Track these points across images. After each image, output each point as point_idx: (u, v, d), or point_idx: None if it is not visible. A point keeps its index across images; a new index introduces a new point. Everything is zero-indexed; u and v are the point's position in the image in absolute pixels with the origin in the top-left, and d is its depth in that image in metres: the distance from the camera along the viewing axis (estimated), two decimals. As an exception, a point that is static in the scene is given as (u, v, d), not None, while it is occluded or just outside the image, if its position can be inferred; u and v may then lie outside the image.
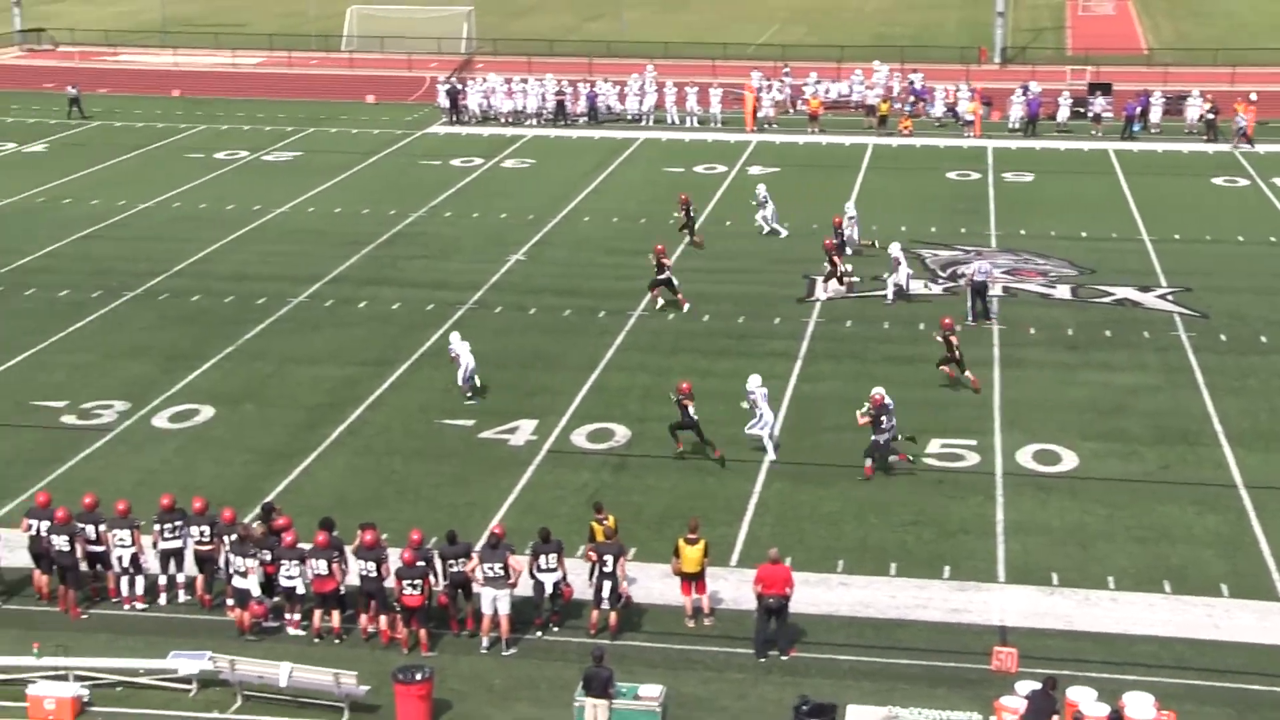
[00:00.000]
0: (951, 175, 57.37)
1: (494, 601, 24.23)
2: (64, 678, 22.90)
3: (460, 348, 34.97)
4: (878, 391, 30.68)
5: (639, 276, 43.22)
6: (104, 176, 57.57)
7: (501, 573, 24.17)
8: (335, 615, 24.58)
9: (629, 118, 68.52)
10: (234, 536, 24.82)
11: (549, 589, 24.73)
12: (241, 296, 42.15)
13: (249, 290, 42.78)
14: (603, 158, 61.50)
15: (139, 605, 25.40)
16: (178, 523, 25.47)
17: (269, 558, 24.70)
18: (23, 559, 25.72)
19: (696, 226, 48.27)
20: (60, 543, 24.98)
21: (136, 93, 76.57)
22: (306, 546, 24.80)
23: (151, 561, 25.65)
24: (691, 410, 31.28)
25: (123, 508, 25.52)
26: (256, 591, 24.60)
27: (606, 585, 24.59)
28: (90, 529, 25.29)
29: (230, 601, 24.79)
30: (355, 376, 36.29)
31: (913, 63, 76.43)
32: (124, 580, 25.46)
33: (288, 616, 24.85)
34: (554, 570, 24.64)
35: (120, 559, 25.28)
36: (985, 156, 60.47)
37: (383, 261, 46.11)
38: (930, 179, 56.74)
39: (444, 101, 69.15)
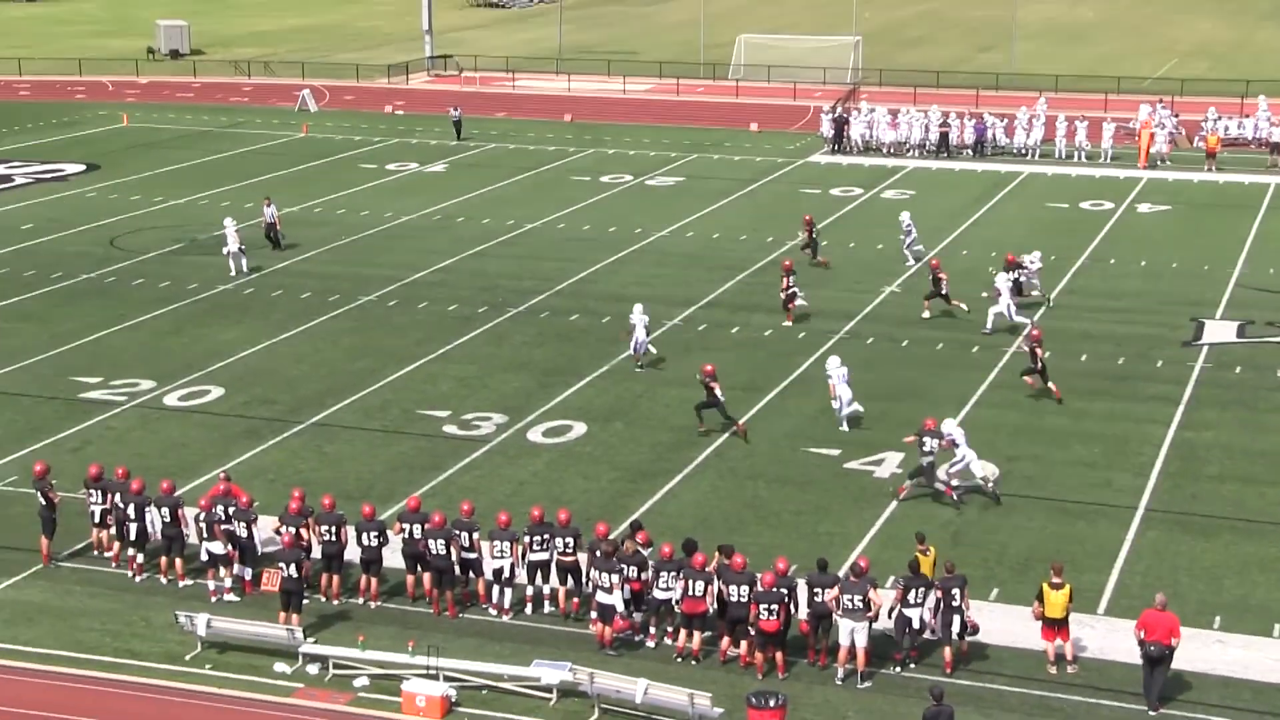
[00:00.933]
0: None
1: (852, 633, 24.02)
2: (435, 677, 23.81)
3: (639, 320, 38.02)
4: (931, 420, 31.06)
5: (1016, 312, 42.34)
6: (497, 196, 59.90)
7: (862, 605, 23.94)
8: (697, 637, 24.78)
9: (1015, 151, 67.15)
10: (598, 552, 25.33)
11: (916, 624, 24.34)
12: (619, 317, 43.05)
13: (626, 311, 43.60)
14: (985, 191, 60.47)
15: (505, 617, 26.18)
16: (546, 535, 26.16)
17: (635, 573, 25.10)
18: (397, 560, 26.86)
19: (819, 248, 48.54)
20: (437, 546, 26.00)
21: (531, 117, 79.48)
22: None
23: (520, 573, 26.40)
24: (718, 391, 33.29)
25: (504, 519, 26.36)
26: (621, 607, 25.04)
27: (955, 619, 24.09)
28: (465, 535, 26.22)
29: (593, 615, 25.30)
30: (725, 399, 36.54)
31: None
32: (495, 589, 26.30)
33: (642, 624, 25.21)
34: (921, 605, 24.25)
35: (500, 571, 26.07)
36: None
37: (757, 288, 46.44)
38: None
39: (828, 130, 69.27)
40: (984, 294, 43.29)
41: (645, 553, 25.45)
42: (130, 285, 46.66)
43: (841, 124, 69.14)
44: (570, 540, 25.99)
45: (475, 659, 24.36)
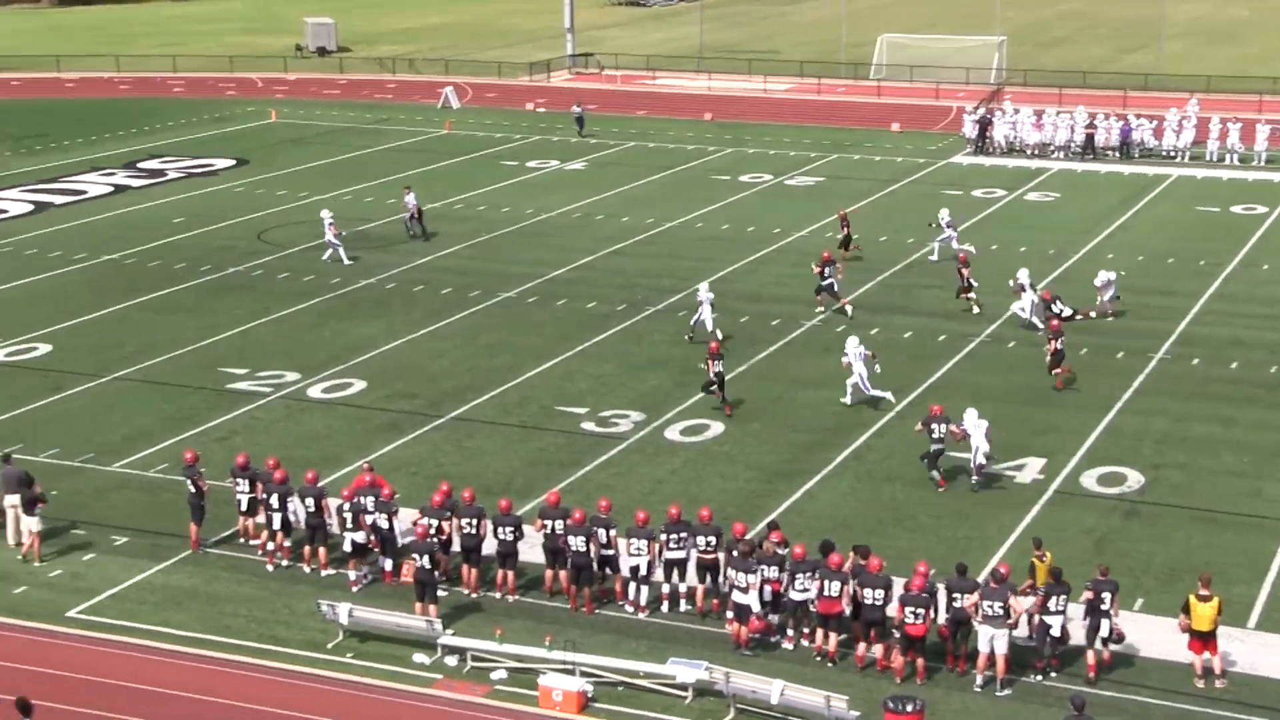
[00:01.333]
0: None
1: (991, 640, 23.75)
2: (571, 672, 23.95)
3: (705, 297, 40.21)
4: (937, 406, 31.58)
5: (1163, 317, 41.60)
6: (636, 194, 60.08)
7: (1001, 611, 23.67)
8: (833, 638, 24.67)
9: (1164, 153, 65.88)
10: (736, 551, 25.31)
11: (1056, 631, 24.00)
12: (756, 317, 43.04)
13: (764, 311, 43.64)
14: (1131, 194, 59.43)
15: (642, 614, 26.26)
16: (683, 534, 26.19)
17: (774, 574, 25.05)
18: (538, 554, 27.05)
19: (852, 241, 49.30)
20: (577, 543, 26.14)
21: (671, 115, 79.61)
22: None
23: (657, 571, 26.46)
24: (719, 367, 34.99)
25: (642, 517, 26.43)
26: (757, 607, 25.00)
27: (1103, 624, 23.69)
28: (602, 532, 26.33)
29: (729, 615, 25.28)
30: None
31: None
32: (632, 586, 26.38)
33: (789, 632, 25.18)
34: (1062, 612, 23.92)
35: (636, 568, 26.17)
36: None
37: (896, 290, 46.10)
38: None
39: (970, 131, 68.52)
40: (1125, 299, 42.55)
41: (782, 554, 25.39)
42: (276, 279, 47.53)
43: (985, 125, 68.34)
44: (712, 539, 26.00)
45: (611, 655, 24.47)
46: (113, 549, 28.76)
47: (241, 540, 28.84)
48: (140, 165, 66.01)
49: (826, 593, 24.50)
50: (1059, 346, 37.18)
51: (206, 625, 25.87)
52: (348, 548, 27.29)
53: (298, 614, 26.20)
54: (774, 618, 25.31)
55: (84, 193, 60.48)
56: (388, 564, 27.30)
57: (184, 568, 27.99)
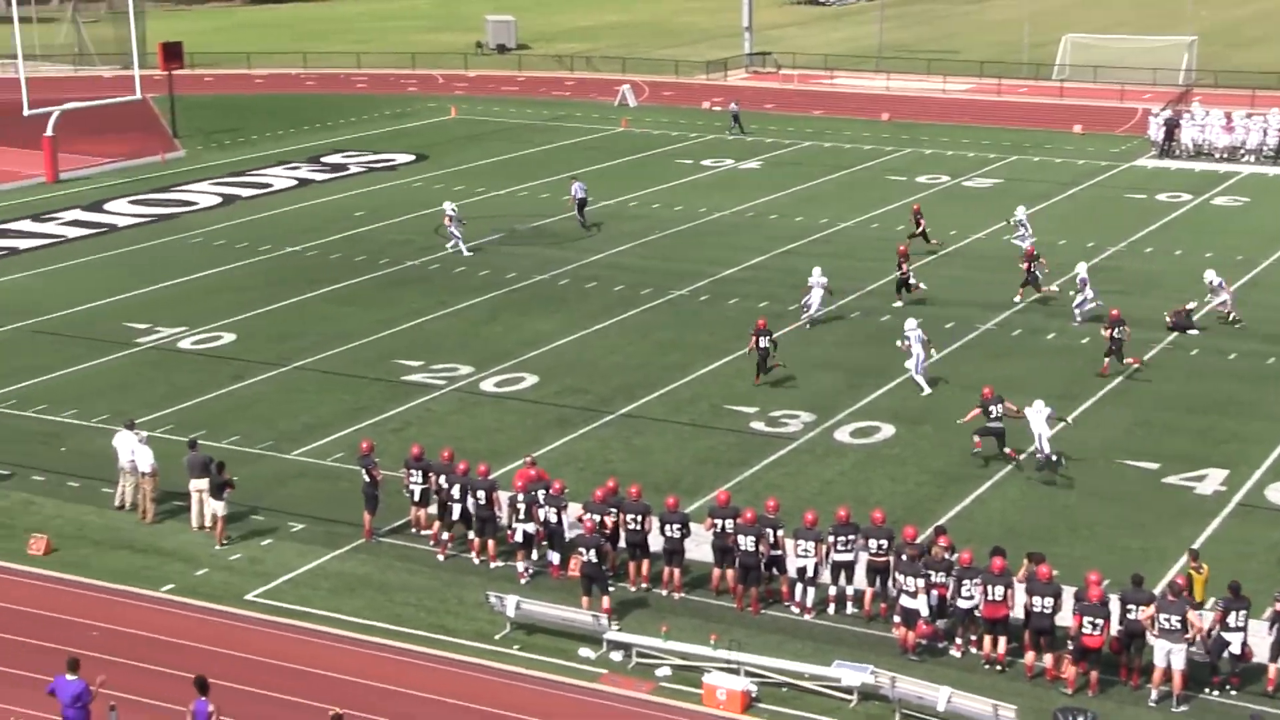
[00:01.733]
0: None
1: (1168, 654, 23.21)
2: (736, 671, 23.95)
3: (817, 282, 41.94)
4: (989, 388, 32.77)
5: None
6: (810, 194, 59.81)
7: (1179, 626, 23.12)
8: (1001, 643, 24.34)
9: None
10: (904, 555, 25.09)
11: (1236, 648, 23.36)
12: (930, 319, 42.51)
13: (937, 314, 43.15)
14: (1325, 198, 57.67)
15: (808, 616, 26.16)
16: (851, 536, 26.04)
17: (943, 578, 24.79)
18: (705, 552, 27.09)
19: (927, 234, 50.10)
20: (746, 542, 26.12)
21: (848, 115, 79.10)
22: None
23: (824, 573, 26.34)
24: (762, 342, 37.07)
25: (810, 519, 26.34)
26: (925, 612, 24.76)
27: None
28: (770, 533, 26.27)
29: (896, 619, 25.07)
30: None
31: None
32: (798, 587, 26.30)
33: (958, 640, 24.91)
34: (1243, 629, 23.27)
35: (804, 569, 26.07)
36: None
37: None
38: None
39: (1157, 134, 67.02)
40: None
41: (950, 559, 25.11)
42: (451, 273, 48.23)
43: (1172, 127, 66.75)
44: (884, 541, 25.81)
45: (776, 656, 24.42)
46: (290, 535, 29.45)
47: (413, 530, 29.34)
48: (323, 160, 67.47)
49: (991, 597, 24.17)
50: (1117, 334, 37.40)
51: (377, 613, 26.36)
52: (519, 538, 27.59)
53: (466, 605, 26.58)
54: (942, 623, 25.04)
55: (269, 186, 62.01)
56: (555, 557, 27.55)
57: (357, 555, 28.56)
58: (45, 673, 23.08)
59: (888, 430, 34.63)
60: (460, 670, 24.63)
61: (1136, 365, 37.80)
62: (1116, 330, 37.43)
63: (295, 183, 62.63)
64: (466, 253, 49.77)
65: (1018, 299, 44.17)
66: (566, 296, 45.48)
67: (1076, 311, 42.12)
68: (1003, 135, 72.13)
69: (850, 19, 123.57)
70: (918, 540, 25.66)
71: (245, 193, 60.63)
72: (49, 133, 62.48)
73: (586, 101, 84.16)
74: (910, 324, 37.40)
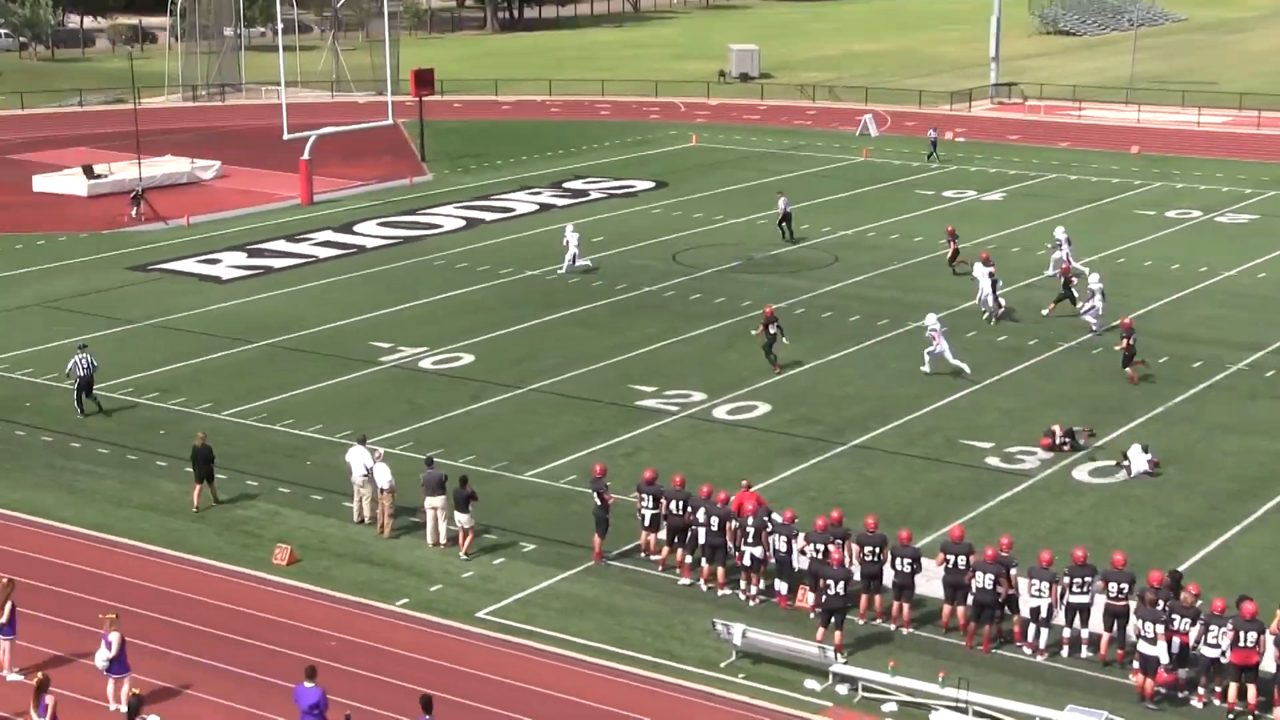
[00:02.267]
0: None
1: None
2: (964, 710, 23.54)
3: (982, 274, 44.95)
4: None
5: None
6: (1051, 227, 58.54)
7: None
8: (1251, 691, 23.45)
9: None
10: (1145, 599, 24.37)
11: None
12: (1177, 357, 41.37)
13: (1186, 352, 41.92)
14: None
15: (1040, 657, 25.60)
16: (1088, 577, 25.41)
17: (1185, 626, 24.02)
18: (935, 588, 26.72)
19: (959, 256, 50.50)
20: (985, 579, 25.67)
21: (1095, 147, 77.38)
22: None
23: (1059, 614, 25.76)
24: (771, 329, 40.10)
25: (1046, 558, 25.80)
26: (1165, 659, 24.01)
27: None
28: (1008, 571, 25.77)
29: (1135, 665, 24.36)
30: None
31: None
32: (1031, 627, 25.76)
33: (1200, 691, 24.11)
34: None
35: (1037, 610, 25.54)
36: None
37: (1332, 335, 43.54)
38: None
39: None
40: None
41: (1198, 606, 24.30)
42: (688, 300, 48.51)
43: None
44: (1125, 585, 25.10)
45: (1006, 697, 23.94)
46: (521, 555, 29.92)
47: (643, 555, 29.54)
48: (566, 185, 68.56)
49: (1242, 643, 23.32)
50: (1132, 343, 39.10)
51: (605, 635, 26.60)
52: (746, 561, 27.55)
53: (693, 631, 26.66)
54: (1184, 672, 24.25)
55: (512, 210, 63.23)
56: (783, 587, 27.45)
57: (586, 578, 28.87)
58: (287, 679, 23.88)
59: (1136, 467, 33.67)
60: (684, 696, 24.71)
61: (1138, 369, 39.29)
62: (1131, 339, 39.19)
63: (537, 207, 63.75)
64: (563, 270, 51.47)
65: (1046, 311, 45.68)
66: (802, 325, 45.32)
67: (1092, 321, 43.49)
68: (1261, 170, 69.77)
69: (1102, 49, 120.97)
70: (1162, 584, 24.89)
71: (488, 216, 61.93)
72: (305, 156, 64.79)
73: (828, 131, 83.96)
74: (931, 318, 40.73)
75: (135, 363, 41.95)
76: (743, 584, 27.70)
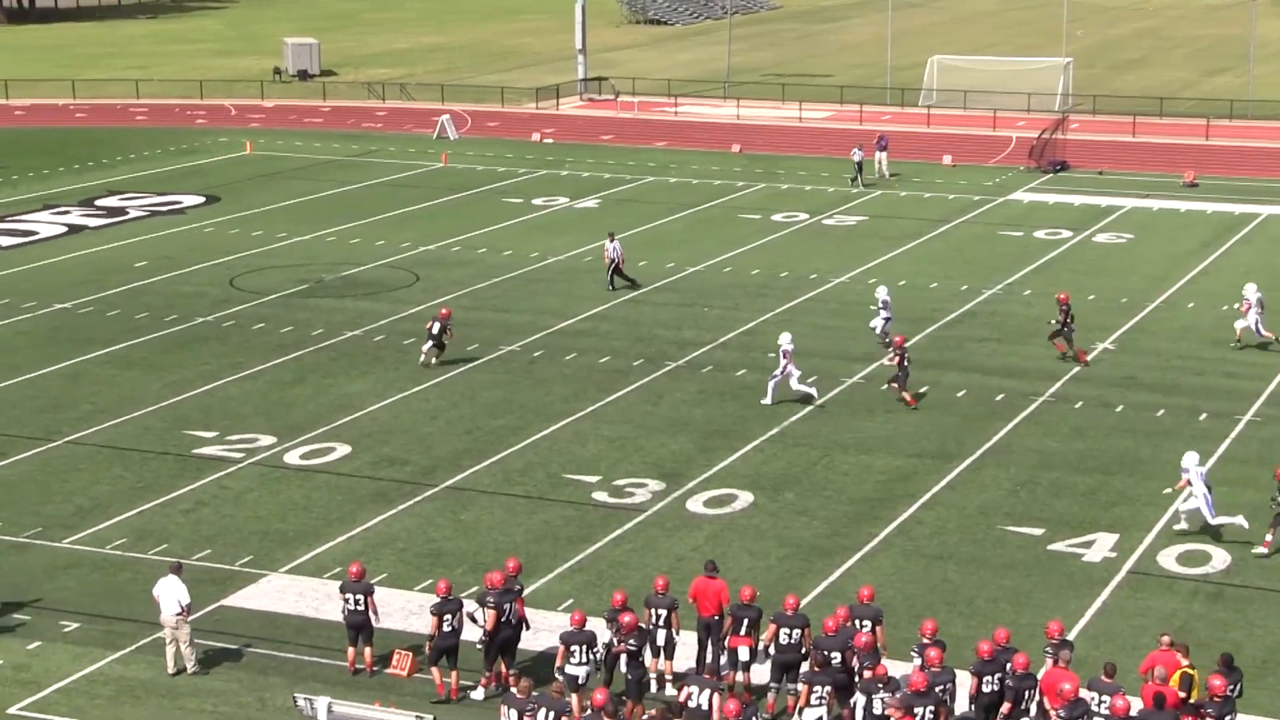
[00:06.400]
0: None
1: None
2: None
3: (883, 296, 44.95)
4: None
5: (1250, 375, 41.58)
6: (655, 235, 60.25)
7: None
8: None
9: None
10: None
11: None
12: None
13: (799, 367, 43.63)
14: (1215, 234, 59.54)
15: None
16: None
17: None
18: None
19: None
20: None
21: (695, 147, 79.94)
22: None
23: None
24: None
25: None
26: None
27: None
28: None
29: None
30: (909, 469, 36.44)
31: None
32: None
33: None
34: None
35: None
36: None
37: (948, 342, 46.14)
38: None
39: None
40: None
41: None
42: (250, 330, 47.72)
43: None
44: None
45: None
46: (63, 636, 28.72)
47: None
48: (99, 203, 66.48)
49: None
50: (905, 362, 40.38)
51: (167, 721, 25.86)
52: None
53: (270, 709, 26.16)
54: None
55: (35, 234, 60.89)
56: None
57: (143, 657, 27.92)
58: None
59: (745, 498, 34.85)
60: (264, 785, 24.23)
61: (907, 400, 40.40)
62: (904, 358, 40.24)
63: (65, 229, 61.58)
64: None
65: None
66: (381, 354, 45.20)
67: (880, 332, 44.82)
68: (870, 167, 73.33)
69: (695, 40, 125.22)
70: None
71: (5, 241, 59.47)
72: None
73: (401, 134, 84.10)
74: (785, 337, 40.73)
75: None
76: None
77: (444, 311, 43.95)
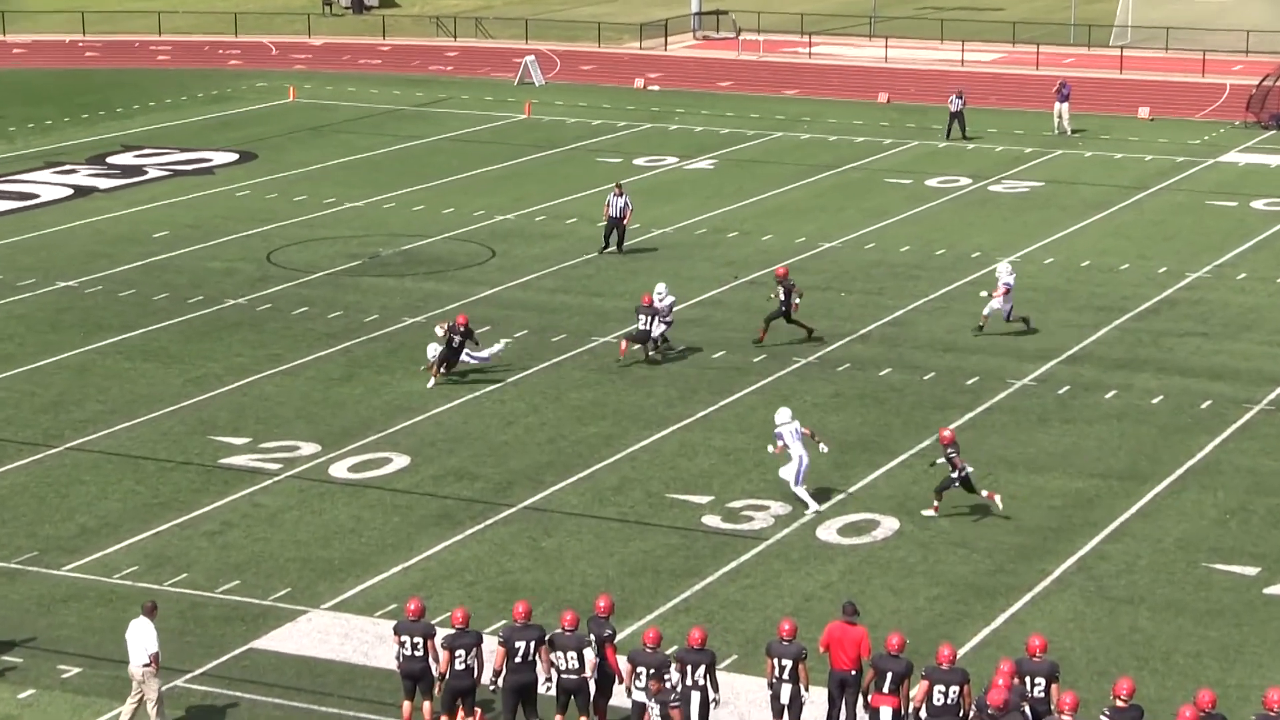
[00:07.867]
0: None
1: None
2: None
3: (1005, 276, 45.32)
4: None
5: None
6: (781, 204, 60.17)
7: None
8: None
9: None
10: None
11: None
12: (945, 373, 42.77)
13: (956, 365, 43.39)
14: None
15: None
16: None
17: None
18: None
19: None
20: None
21: (833, 96, 79.71)
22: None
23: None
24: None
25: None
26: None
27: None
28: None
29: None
30: (1092, 492, 36.16)
31: None
32: None
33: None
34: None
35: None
36: None
37: (1142, 337, 45.72)
38: None
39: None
40: None
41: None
42: (290, 315, 48.08)
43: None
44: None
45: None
46: (61, 683, 29.01)
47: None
48: (111, 160, 67.25)
49: None
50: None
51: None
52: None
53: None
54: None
55: (35, 196, 61.70)
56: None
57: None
58: None
59: (889, 524, 34.71)
60: None
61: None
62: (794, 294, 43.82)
63: (70, 191, 62.34)
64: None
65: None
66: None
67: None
68: (1042, 121, 72.84)
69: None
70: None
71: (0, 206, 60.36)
72: None
73: (476, 79, 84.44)
74: (782, 414, 35.80)
75: None
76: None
77: (460, 318, 42.60)
